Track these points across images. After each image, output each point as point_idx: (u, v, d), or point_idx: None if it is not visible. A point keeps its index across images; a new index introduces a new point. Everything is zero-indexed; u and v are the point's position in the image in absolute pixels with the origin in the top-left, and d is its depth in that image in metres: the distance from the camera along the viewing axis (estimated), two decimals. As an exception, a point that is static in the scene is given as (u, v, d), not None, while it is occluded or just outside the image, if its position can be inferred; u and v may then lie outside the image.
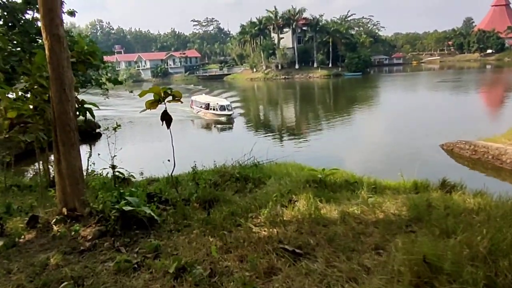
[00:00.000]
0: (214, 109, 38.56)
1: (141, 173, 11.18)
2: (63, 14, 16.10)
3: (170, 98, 6.23)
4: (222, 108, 38.17)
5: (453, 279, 3.01)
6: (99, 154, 10.02)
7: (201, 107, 40.92)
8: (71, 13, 17.33)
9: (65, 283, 3.63)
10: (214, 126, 36.62)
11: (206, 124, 37.93)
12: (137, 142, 30.02)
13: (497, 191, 6.62)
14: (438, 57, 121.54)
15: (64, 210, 5.68)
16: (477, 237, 3.63)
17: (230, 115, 38.06)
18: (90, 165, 10.80)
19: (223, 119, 37.62)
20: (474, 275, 2.98)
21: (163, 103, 6.19)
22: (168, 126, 6.42)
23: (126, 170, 9.30)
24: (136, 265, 4.03)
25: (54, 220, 5.55)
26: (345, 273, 3.55)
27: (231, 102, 41.25)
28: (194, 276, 3.61)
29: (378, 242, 4.25)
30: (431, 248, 3.37)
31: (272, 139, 29.30)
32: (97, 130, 30.33)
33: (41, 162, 11.07)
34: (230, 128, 36.01)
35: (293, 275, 3.63)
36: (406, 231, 4.55)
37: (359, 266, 3.67)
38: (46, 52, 5.62)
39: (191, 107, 42.87)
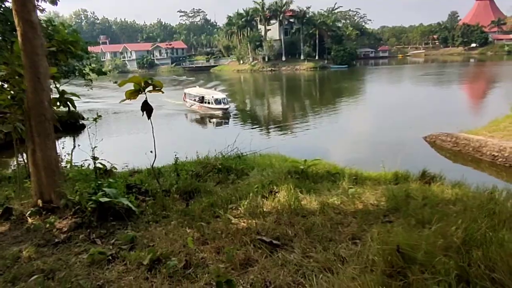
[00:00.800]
0: (208, 103, 36.38)
1: (126, 165, 11.04)
2: (45, 2, 15.74)
3: (150, 88, 6.13)
4: (217, 101, 35.90)
5: (425, 269, 3.02)
6: (79, 145, 9.86)
7: (194, 100, 38.77)
8: (53, 2, 16.87)
9: (35, 276, 3.55)
10: (210, 121, 34.69)
11: (200, 118, 35.88)
12: (123, 134, 29.58)
13: (475, 182, 6.73)
14: (423, 51, 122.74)
15: (40, 202, 5.55)
16: (452, 227, 3.66)
17: (226, 109, 35.79)
18: (65, 155, 10.56)
19: (218, 113, 35.48)
20: (447, 265, 2.99)
21: (144, 93, 6.09)
22: (149, 116, 6.32)
23: (108, 162, 9.15)
24: (110, 257, 3.96)
25: (29, 212, 5.42)
26: (320, 263, 3.55)
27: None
28: (169, 267, 3.56)
29: (355, 232, 4.26)
30: (406, 238, 3.38)
31: (258, 130, 29.19)
32: (81, 122, 29.90)
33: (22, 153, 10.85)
34: (226, 123, 33.76)
35: (269, 266, 3.61)
36: (383, 221, 4.57)
37: (335, 256, 3.67)
38: (19, 39, 5.45)
39: (183, 100, 40.83)
